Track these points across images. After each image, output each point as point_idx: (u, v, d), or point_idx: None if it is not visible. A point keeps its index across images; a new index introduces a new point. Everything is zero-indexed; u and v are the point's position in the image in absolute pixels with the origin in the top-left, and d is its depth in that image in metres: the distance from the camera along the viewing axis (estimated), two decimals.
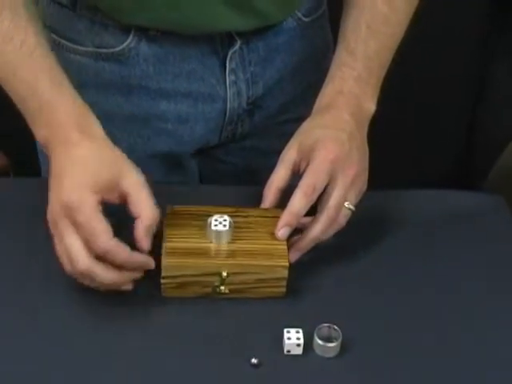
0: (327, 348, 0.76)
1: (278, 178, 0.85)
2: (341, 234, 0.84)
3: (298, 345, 0.76)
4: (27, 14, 0.82)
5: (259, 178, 1.00)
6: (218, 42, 0.96)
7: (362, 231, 0.88)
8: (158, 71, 0.96)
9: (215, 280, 0.79)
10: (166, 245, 0.80)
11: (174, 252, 0.79)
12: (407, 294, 0.84)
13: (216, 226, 0.80)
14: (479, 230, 0.93)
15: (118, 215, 0.77)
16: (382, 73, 0.92)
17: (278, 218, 0.82)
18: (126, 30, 0.93)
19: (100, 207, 0.76)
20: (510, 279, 0.87)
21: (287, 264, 0.80)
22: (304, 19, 1.01)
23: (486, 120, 1.59)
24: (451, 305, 0.83)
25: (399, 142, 1.51)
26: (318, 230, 0.83)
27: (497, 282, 0.86)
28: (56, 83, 0.82)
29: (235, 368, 0.75)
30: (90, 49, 0.95)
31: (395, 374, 0.76)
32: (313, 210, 0.83)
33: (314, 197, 0.82)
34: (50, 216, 0.78)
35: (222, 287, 0.80)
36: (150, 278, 0.79)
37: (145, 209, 0.77)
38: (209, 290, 0.80)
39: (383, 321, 0.80)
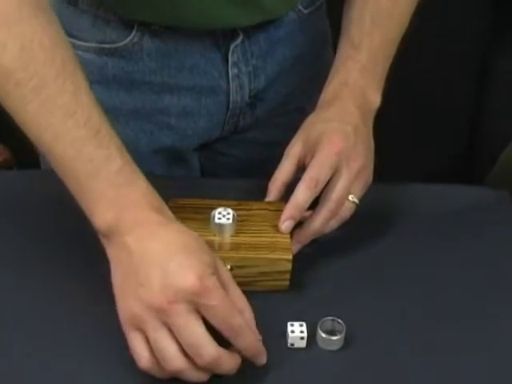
0: (331, 341, 0.76)
1: (283, 172, 0.85)
2: (345, 228, 0.84)
3: (302, 338, 0.76)
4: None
5: (261, 170, 1.00)
6: (220, 36, 0.96)
7: (367, 225, 0.88)
8: (161, 66, 0.96)
9: None
10: None
11: None
12: (411, 288, 0.84)
13: (219, 219, 0.80)
14: (484, 225, 0.93)
15: None
16: (387, 65, 0.92)
17: (281, 211, 0.82)
18: (128, 25, 0.93)
19: None
20: None
21: (291, 257, 0.80)
22: (304, 11, 1.01)
23: (490, 115, 1.58)
24: (455, 298, 0.83)
25: (402, 136, 1.51)
26: (319, 222, 0.83)
27: (500, 276, 0.86)
28: (127, 164, 0.73)
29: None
30: (93, 44, 0.95)
31: (399, 367, 0.76)
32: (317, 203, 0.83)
33: (318, 190, 0.82)
34: (147, 305, 0.67)
35: None
36: None
37: (244, 303, 0.72)
38: None
39: (387, 314, 0.80)
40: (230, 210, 0.81)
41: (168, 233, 0.70)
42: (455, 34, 1.59)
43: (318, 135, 0.84)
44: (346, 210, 0.84)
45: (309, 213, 0.84)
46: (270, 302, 0.80)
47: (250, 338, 0.70)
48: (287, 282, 0.81)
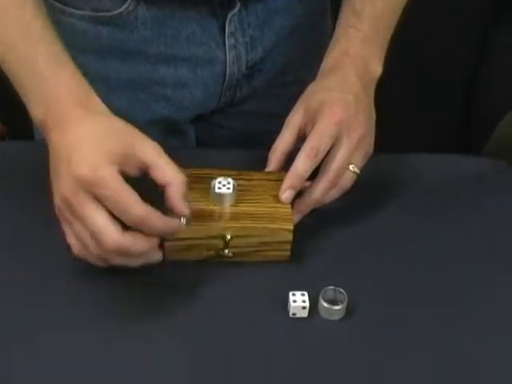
0: (333, 311, 0.76)
1: (283, 142, 0.84)
2: (346, 198, 0.83)
3: (304, 307, 0.75)
4: None
5: (258, 143, 0.99)
6: (217, 5, 0.94)
7: (367, 195, 0.87)
8: (156, 35, 0.94)
9: (219, 243, 0.79)
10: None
11: None
12: (412, 257, 0.83)
13: (220, 188, 0.79)
14: (483, 194, 0.92)
15: None
16: (388, 35, 0.90)
17: (281, 181, 0.81)
18: None
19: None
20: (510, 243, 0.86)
21: (292, 227, 0.79)
22: None
23: (488, 86, 1.58)
24: (455, 266, 0.83)
25: (400, 106, 1.50)
26: (319, 192, 0.82)
27: (498, 244, 0.86)
28: (54, 56, 0.77)
29: (240, 331, 0.75)
30: (88, 13, 0.93)
31: (401, 336, 0.75)
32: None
33: (318, 159, 0.81)
34: (60, 197, 0.72)
35: (226, 250, 0.79)
36: None
37: (172, 175, 0.73)
38: (212, 253, 0.80)
39: (388, 283, 0.80)
40: (230, 180, 0.80)
41: (84, 125, 0.74)
42: (457, 6, 1.58)
43: (319, 104, 0.83)
44: (347, 180, 0.83)
45: (309, 183, 0.83)
46: (270, 273, 0.79)
47: (155, 226, 0.71)
48: (288, 253, 0.80)
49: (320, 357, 0.73)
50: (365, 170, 0.84)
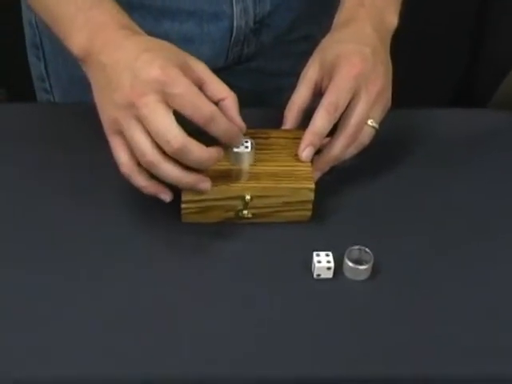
0: (358, 271, 0.74)
1: (299, 98, 0.81)
2: (365, 154, 0.81)
3: (329, 268, 0.73)
4: None
5: (266, 103, 0.97)
6: None
7: (387, 150, 0.85)
8: None
9: (238, 204, 0.76)
10: None
11: None
12: (434, 213, 0.81)
13: (238, 147, 0.77)
14: (497, 147, 0.91)
15: None
16: None
17: (299, 138, 0.79)
18: None
19: None
20: None
21: (313, 186, 0.76)
22: None
23: (494, 38, 1.55)
24: (472, 224, 0.81)
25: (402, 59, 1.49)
26: (338, 148, 0.79)
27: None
28: None
29: (263, 293, 0.73)
30: None
31: (428, 297, 0.74)
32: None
33: (337, 115, 0.79)
34: (118, 105, 0.71)
35: (245, 211, 0.77)
36: (168, 204, 0.75)
37: (226, 89, 0.75)
38: (231, 214, 0.77)
39: (414, 241, 0.78)
40: (248, 139, 0.77)
41: (134, 42, 0.74)
42: None
43: (335, 57, 0.81)
44: (366, 135, 0.81)
45: (327, 139, 0.80)
46: (292, 232, 0.77)
47: (222, 124, 0.72)
48: (309, 212, 0.78)
49: (346, 319, 0.72)
50: (382, 126, 0.82)
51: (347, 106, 0.79)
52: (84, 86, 0.78)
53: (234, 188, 0.76)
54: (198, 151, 0.71)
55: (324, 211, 0.79)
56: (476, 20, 1.58)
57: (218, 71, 0.99)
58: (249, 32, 0.97)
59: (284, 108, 0.82)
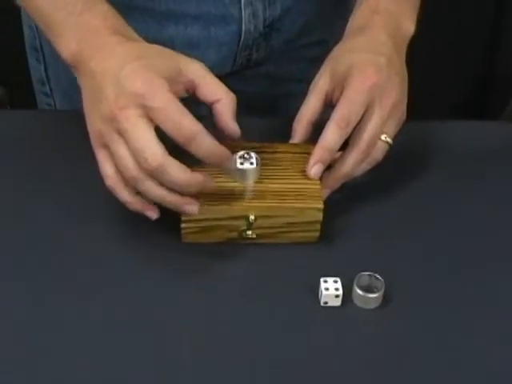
0: (368, 299, 0.69)
1: (309, 109, 0.78)
2: (378, 170, 0.77)
3: (337, 296, 0.69)
4: None
5: (275, 108, 0.94)
6: None
7: (401, 166, 0.81)
8: None
9: (241, 224, 0.72)
10: None
11: None
12: (451, 237, 0.77)
13: (242, 164, 0.73)
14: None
15: None
16: None
17: (308, 153, 0.75)
18: None
19: None
20: None
21: (321, 206, 0.72)
22: None
23: (508, 48, 1.54)
24: (494, 250, 0.76)
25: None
26: (349, 165, 0.76)
27: None
28: None
29: (266, 319, 0.69)
30: None
31: (444, 328, 0.69)
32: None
33: (349, 130, 0.74)
34: (103, 118, 0.68)
35: (249, 232, 0.73)
36: (168, 223, 0.71)
37: (221, 90, 0.71)
38: (234, 234, 0.73)
39: (429, 268, 0.74)
40: (252, 154, 0.73)
41: (125, 49, 0.71)
42: None
43: (348, 67, 0.77)
44: (379, 151, 0.77)
45: (339, 154, 0.76)
46: (298, 256, 0.73)
47: (205, 146, 0.68)
48: (317, 233, 0.74)
49: (354, 351, 0.67)
50: (397, 140, 0.77)
51: (360, 120, 0.75)
52: None
53: (237, 207, 0.72)
54: (176, 173, 0.67)
55: (333, 232, 0.75)
56: (491, 31, 1.56)
57: (225, 77, 0.98)
58: (258, 36, 0.94)
59: (293, 117, 0.79)
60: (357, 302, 0.70)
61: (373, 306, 0.70)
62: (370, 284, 0.70)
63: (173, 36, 0.91)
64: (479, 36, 1.61)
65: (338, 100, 0.76)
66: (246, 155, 0.73)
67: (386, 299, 0.70)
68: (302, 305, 0.69)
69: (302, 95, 0.79)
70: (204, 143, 0.67)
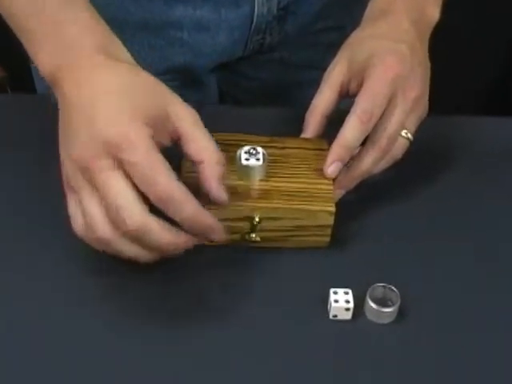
0: (382, 313, 0.64)
1: (323, 101, 0.73)
2: (396, 169, 0.72)
3: (347, 309, 0.64)
4: None
5: (289, 96, 0.91)
6: None
7: (421, 164, 0.76)
8: None
9: (245, 226, 0.68)
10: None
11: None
12: (475, 243, 0.72)
13: (247, 159, 0.68)
14: None
15: None
16: None
17: (321, 150, 0.71)
18: None
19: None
20: None
21: (333, 209, 0.67)
22: None
23: None
24: None
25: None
26: (368, 163, 0.71)
27: None
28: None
29: (272, 333, 0.64)
30: None
31: (463, 345, 0.64)
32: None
33: (371, 124, 0.70)
34: (73, 161, 0.61)
35: (253, 235, 0.68)
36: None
37: (208, 150, 0.62)
38: (237, 237, 0.68)
39: (450, 279, 0.68)
40: (259, 149, 0.69)
41: (105, 76, 0.63)
42: None
43: (367, 56, 0.72)
44: (399, 148, 0.73)
45: (356, 151, 0.71)
46: (306, 262, 0.69)
47: (185, 211, 0.60)
48: (327, 239, 0.69)
49: (365, 369, 0.62)
50: (417, 136, 0.73)
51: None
52: None
53: (241, 208, 0.67)
54: (159, 234, 0.59)
55: (345, 237, 0.70)
56: None
57: (236, 61, 0.94)
58: (272, 20, 0.90)
59: (307, 108, 0.74)
60: (369, 315, 0.65)
61: (386, 320, 0.65)
62: (385, 296, 0.65)
63: (181, 17, 0.87)
64: (503, 32, 1.58)
65: (354, 92, 0.71)
66: (251, 150, 0.69)
67: (400, 314, 0.65)
68: (309, 316, 0.65)
69: (317, 84, 0.75)
70: (184, 209, 0.60)
